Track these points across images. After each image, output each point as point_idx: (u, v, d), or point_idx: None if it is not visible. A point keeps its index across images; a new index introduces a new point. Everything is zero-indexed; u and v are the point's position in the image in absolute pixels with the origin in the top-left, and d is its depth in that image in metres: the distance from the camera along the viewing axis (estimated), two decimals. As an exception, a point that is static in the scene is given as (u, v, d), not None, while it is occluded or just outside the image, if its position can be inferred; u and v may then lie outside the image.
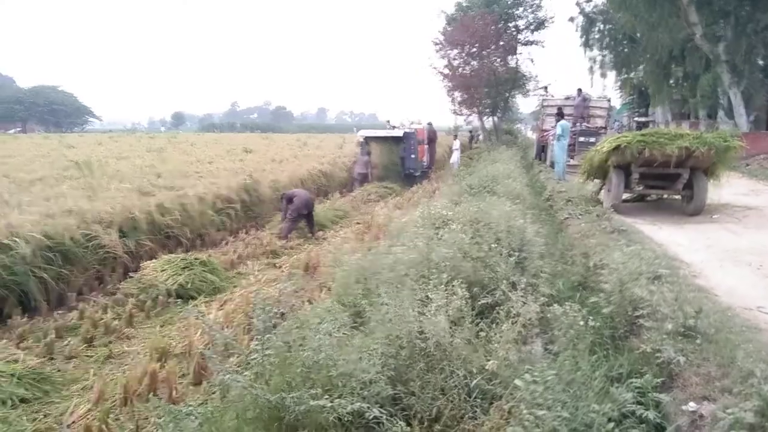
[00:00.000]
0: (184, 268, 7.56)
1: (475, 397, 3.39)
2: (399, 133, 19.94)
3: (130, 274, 7.77)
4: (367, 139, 19.77)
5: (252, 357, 3.35)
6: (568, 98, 20.48)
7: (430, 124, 23.70)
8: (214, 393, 4.25)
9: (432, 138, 22.55)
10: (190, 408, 3.13)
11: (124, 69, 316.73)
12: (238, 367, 3.81)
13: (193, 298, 7.17)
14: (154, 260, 7.98)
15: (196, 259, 7.87)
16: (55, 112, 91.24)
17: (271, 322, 3.50)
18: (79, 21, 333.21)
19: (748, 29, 20.98)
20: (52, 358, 5.44)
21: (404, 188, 18.16)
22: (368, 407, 2.97)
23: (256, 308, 3.39)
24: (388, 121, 23.70)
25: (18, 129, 79.68)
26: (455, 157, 22.62)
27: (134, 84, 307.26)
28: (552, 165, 17.08)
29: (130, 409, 4.38)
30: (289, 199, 10.74)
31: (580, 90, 20.77)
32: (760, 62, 23.22)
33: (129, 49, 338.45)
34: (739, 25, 21.51)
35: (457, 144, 23.59)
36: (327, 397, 3.00)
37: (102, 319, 6.29)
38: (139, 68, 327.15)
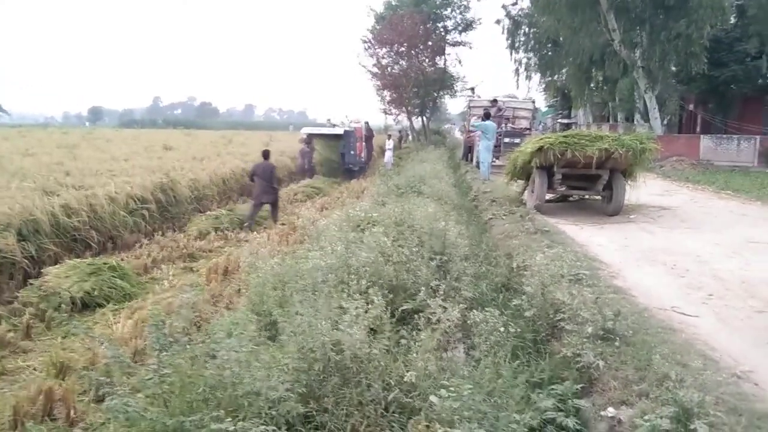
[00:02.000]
0: (91, 273, 7.03)
1: (393, 412, 3.22)
2: (340, 131, 21.29)
3: (30, 281, 7.16)
4: (310, 136, 20.88)
5: (147, 377, 3.04)
6: (491, 104, 20.54)
7: (367, 123, 25.52)
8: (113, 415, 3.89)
9: (369, 136, 24.67)
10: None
11: (36, 60, 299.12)
12: (136, 387, 3.48)
13: (101, 306, 6.68)
14: (58, 266, 7.39)
15: (104, 263, 7.36)
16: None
17: (171, 337, 3.20)
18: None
19: (662, 37, 21.97)
20: (-68, 377, 4.89)
21: (344, 182, 19.53)
22: (275, 429, 2.73)
23: (150, 324, 3.07)
24: (329, 120, 25.02)
25: None
26: (388, 156, 23.21)
27: (48, 76, 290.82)
28: (478, 165, 17.29)
29: (20, 434, 3.96)
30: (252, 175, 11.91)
31: (495, 100, 20.99)
32: (673, 68, 24.37)
33: (42, 39, 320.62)
34: (654, 33, 22.49)
35: (390, 143, 24.15)
36: (231, 419, 2.74)
37: (-6, 331, 5.73)
38: (53, 59, 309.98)
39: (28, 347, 5.62)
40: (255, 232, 10.60)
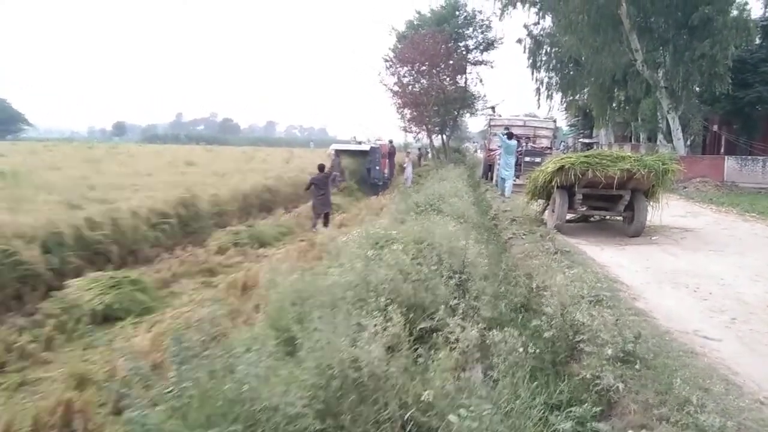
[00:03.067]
0: (112, 287, 7.14)
1: (410, 431, 3.20)
2: (366, 147, 23.30)
3: (53, 292, 7.28)
4: (338, 152, 22.42)
5: (167, 390, 3.07)
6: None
7: (390, 141, 28.87)
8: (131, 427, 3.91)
9: (392, 153, 26.72)
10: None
11: (63, 75, 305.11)
12: (155, 400, 3.50)
13: (120, 319, 6.75)
14: (80, 278, 7.50)
15: (125, 277, 7.47)
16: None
17: (191, 351, 3.22)
18: (13, 24, 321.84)
19: (685, 57, 21.83)
20: (-44, 387, 4.98)
21: (368, 195, 20.93)
22: (292, 445, 2.73)
23: (171, 337, 3.10)
24: (354, 137, 26.70)
25: (-56, 137, 75.73)
26: (408, 172, 23.69)
27: (73, 91, 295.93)
28: (498, 183, 17.29)
29: (39, 444, 4.00)
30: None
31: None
32: (697, 89, 24.15)
33: (68, 55, 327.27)
34: (678, 53, 22.37)
35: (409, 161, 24.78)
36: (248, 434, 2.75)
37: (17, 342, 5.81)
38: (79, 75, 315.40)
39: (48, 358, 5.70)
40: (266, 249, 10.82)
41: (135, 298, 7.12)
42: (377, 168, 22.94)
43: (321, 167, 13.71)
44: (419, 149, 42.95)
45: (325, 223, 12.82)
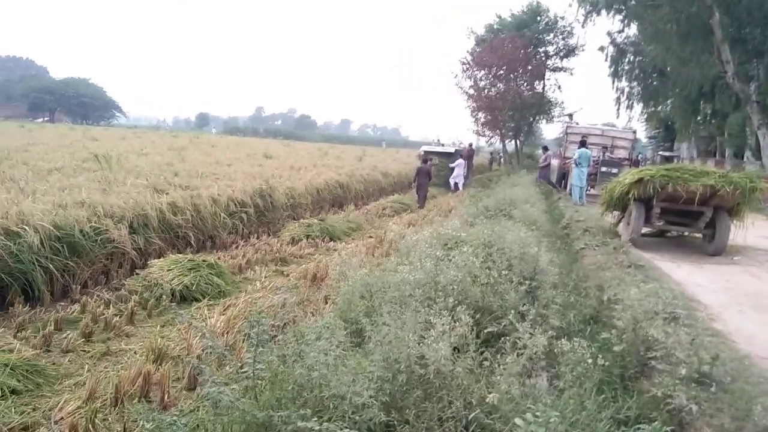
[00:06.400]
0: (190, 269, 7.45)
1: (473, 431, 3.23)
2: (451, 149, 26.79)
3: (137, 271, 7.70)
4: (428, 153, 24.26)
5: (243, 370, 3.22)
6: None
7: (470, 144, 32.97)
8: (203, 402, 4.12)
9: (471, 155, 30.07)
10: (175, 418, 3.01)
11: (154, 67, 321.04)
12: (229, 378, 3.68)
13: (197, 300, 7.05)
14: (161, 259, 7.90)
15: (203, 260, 7.78)
16: (84, 105, 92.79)
17: (266, 335, 3.37)
18: (113, 16, 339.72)
19: (781, 70, 20.69)
20: (48, 350, 5.34)
21: (448, 192, 23.35)
22: (358, 434, 2.82)
23: (250, 320, 3.25)
24: (438, 140, 30.97)
25: (46, 118, 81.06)
26: (457, 173, 24.38)
27: (162, 82, 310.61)
28: (571, 192, 16.98)
29: (120, 410, 4.26)
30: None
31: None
32: (792, 104, 22.81)
33: (159, 48, 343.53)
34: (773, 66, 21.22)
35: (459, 163, 24.99)
36: (316, 419, 2.86)
37: (103, 314, 6.19)
38: (168, 67, 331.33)
39: (131, 332, 6.01)
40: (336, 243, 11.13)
41: (211, 281, 7.41)
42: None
43: (425, 160, 19.54)
44: (491, 153, 42.59)
45: (422, 203, 17.55)
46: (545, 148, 25.18)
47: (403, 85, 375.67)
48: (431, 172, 19.18)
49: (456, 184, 24.11)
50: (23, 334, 5.55)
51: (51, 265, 6.72)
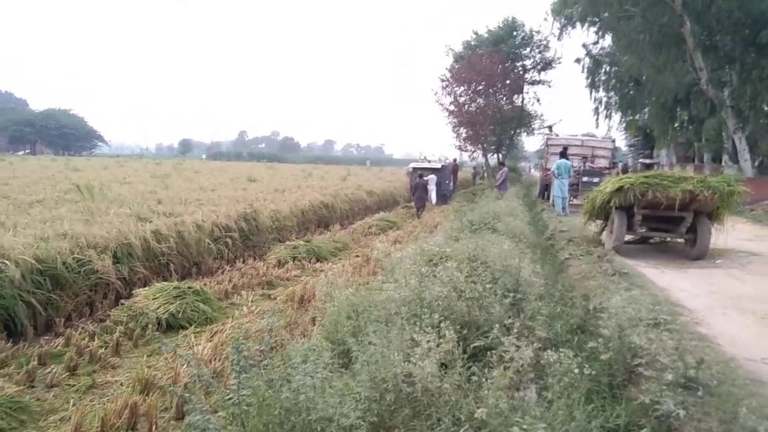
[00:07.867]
0: (176, 297, 7.39)
1: (462, 448, 3.22)
2: (438, 165, 27.80)
3: (122, 301, 7.62)
4: (415, 170, 25.41)
5: (228, 397, 3.19)
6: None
7: (455, 159, 36.00)
8: None
9: (455, 170, 32.72)
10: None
11: (135, 94, 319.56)
12: (216, 406, 3.65)
13: (183, 327, 6.99)
14: (146, 288, 7.83)
15: (189, 287, 7.72)
16: (65, 136, 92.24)
17: (252, 360, 3.34)
18: (92, 46, 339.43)
19: (753, 75, 21.09)
20: (32, 386, 5.26)
21: (440, 203, 24.96)
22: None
23: (234, 345, 3.23)
24: (425, 156, 31.78)
25: (27, 151, 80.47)
26: (432, 186, 24.78)
27: (143, 109, 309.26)
28: (554, 203, 17.13)
29: (106, 444, 4.20)
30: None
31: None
32: (765, 108, 23.23)
33: (140, 75, 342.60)
34: (745, 72, 21.63)
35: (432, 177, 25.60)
36: (304, 442, 2.84)
37: (88, 346, 6.11)
38: (149, 94, 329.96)
39: (116, 363, 5.93)
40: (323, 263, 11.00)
41: (197, 307, 7.35)
42: (447, 182, 27.90)
43: (420, 175, 21.68)
44: (474, 168, 42.96)
45: (419, 212, 19.89)
46: (501, 164, 27.62)
47: (386, 104, 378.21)
48: (427, 186, 21.75)
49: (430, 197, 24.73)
50: (6, 370, 5.46)
51: (33, 299, 6.65)
